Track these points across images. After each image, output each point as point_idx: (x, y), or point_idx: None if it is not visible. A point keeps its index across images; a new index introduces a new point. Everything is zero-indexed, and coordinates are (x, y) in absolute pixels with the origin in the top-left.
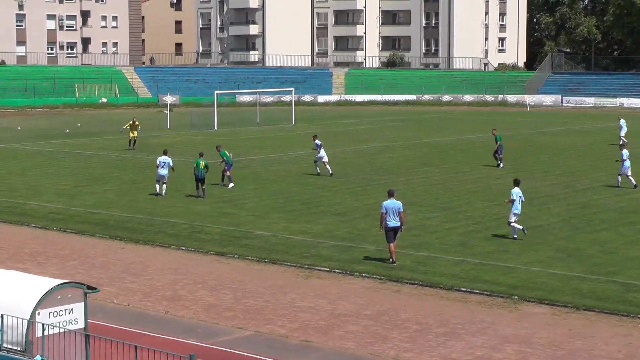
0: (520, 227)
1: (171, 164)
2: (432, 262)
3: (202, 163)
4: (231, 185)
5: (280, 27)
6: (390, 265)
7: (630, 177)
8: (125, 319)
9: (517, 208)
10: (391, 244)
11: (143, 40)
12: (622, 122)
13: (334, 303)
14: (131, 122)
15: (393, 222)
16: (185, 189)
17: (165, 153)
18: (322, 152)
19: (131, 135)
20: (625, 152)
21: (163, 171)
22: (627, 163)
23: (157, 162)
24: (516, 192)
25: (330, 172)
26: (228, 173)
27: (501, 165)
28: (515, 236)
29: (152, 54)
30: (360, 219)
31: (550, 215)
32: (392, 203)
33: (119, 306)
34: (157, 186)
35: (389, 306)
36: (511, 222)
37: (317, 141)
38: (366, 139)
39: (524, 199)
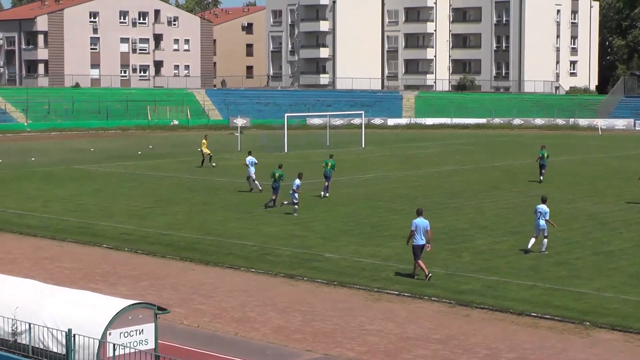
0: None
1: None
2: (502, 287)
3: (277, 174)
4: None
5: (350, 50)
6: (460, 289)
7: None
8: (194, 340)
9: (538, 224)
10: (419, 261)
11: (214, 63)
12: None
13: (403, 326)
14: (204, 140)
15: (421, 240)
16: (256, 210)
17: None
18: (252, 170)
19: (207, 152)
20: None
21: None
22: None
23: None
24: (540, 208)
25: (260, 188)
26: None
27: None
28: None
29: (223, 76)
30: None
31: (623, 240)
32: (421, 222)
33: (188, 327)
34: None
35: (458, 330)
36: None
37: (250, 158)
38: (436, 162)
39: (547, 217)
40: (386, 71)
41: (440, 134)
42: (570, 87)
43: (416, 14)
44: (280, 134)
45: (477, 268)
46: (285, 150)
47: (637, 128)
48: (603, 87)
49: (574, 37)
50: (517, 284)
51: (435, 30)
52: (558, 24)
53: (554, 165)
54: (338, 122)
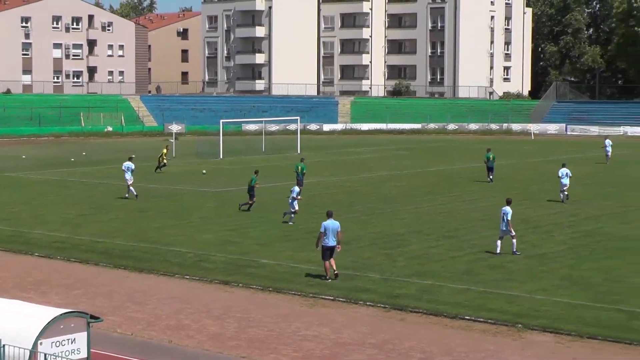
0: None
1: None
2: (437, 291)
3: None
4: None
5: (286, 56)
6: (395, 294)
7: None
8: (128, 348)
9: (503, 226)
10: (327, 262)
11: (149, 69)
12: (608, 142)
13: (339, 331)
14: (165, 149)
15: (331, 242)
16: (192, 217)
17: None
18: (128, 175)
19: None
20: (563, 170)
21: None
22: (565, 180)
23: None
24: (504, 210)
25: (136, 194)
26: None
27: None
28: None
29: (158, 82)
30: (365, 247)
31: (555, 243)
32: (332, 223)
33: (122, 335)
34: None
35: (393, 335)
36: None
37: (127, 163)
38: (372, 168)
39: (509, 218)
40: (322, 77)
41: (376, 139)
42: (504, 93)
43: (352, 20)
44: (215, 140)
45: (412, 272)
46: (221, 157)
47: (568, 133)
48: (536, 92)
49: (507, 43)
50: (452, 288)
51: (370, 36)
52: (492, 30)
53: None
54: (274, 127)
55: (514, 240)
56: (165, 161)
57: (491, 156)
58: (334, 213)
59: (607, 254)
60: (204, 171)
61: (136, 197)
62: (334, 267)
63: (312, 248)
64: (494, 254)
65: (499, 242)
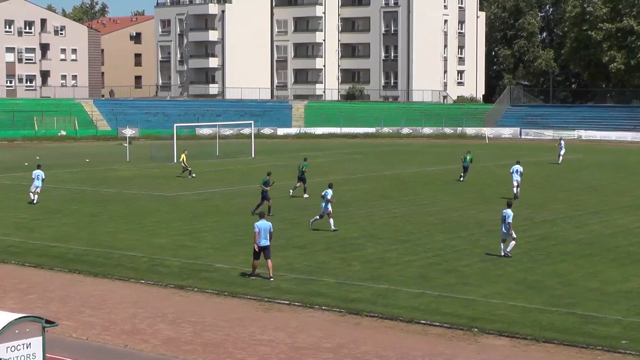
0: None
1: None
2: (392, 295)
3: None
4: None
5: (239, 60)
6: (350, 298)
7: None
8: (83, 353)
9: (503, 228)
10: (255, 261)
11: (102, 73)
12: (562, 142)
13: (294, 336)
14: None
15: (264, 242)
16: (146, 222)
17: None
18: (37, 183)
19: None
20: (515, 167)
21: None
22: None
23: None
24: (505, 212)
25: (35, 201)
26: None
27: (462, 179)
28: (506, 253)
29: (111, 86)
30: (320, 251)
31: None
32: (264, 224)
33: (77, 340)
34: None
35: (348, 339)
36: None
37: (37, 171)
38: (326, 172)
39: (510, 221)
40: (275, 81)
41: (330, 143)
42: (458, 97)
43: (305, 24)
44: (169, 144)
45: (367, 276)
46: (175, 161)
47: (523, 136)
48: (490, 96)
49: (461, 47)
50: (407, 292)
51: (324, 40)
52: (445, 34)
53: (442, 174)
54: (228, 132)
55: (513, 242)
56: (189, 167)
57: (468, 157)
58: (265, 214)
59: (561, 258)
60: (193, 175)
61: (34, 203)
62: (270, 271)
63: None
64: (498, 256)
65: (502, 244)
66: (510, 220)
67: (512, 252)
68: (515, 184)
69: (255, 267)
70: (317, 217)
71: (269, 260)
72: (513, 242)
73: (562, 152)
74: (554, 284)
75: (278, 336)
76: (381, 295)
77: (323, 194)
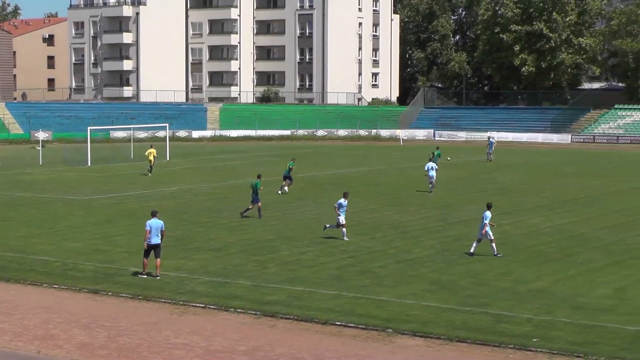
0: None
1: None
2: (308, 297)
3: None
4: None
5: (154, 62)
6: (265, 300)
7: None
8: None
9: (481, 228)
10: (146, 259)
11: (14, 75)
12: (492, 140)
13: (209, 339)
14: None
15: (155, 240)
16: (59, 226)
17: None
18: None
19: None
20: (429, 164)
21: None
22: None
23: None
24: (484, 214)
25: None
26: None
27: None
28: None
29: (24, 89)
30: (235, 254)
31: (424, 248)
32: (155, 222)
33: None
34: None
35: (264, 341)
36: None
37: None
38: (241, 174)
39: (486, 221)
40: (190, 83)
41: (245, 145)
42: (373, 99)
43: (220, 26)
44: (83, 147)
45: (283, 279)
46: (89, 164)
47: (437, 138)
48: (404, 98)
49: (375, 50)
50: (322, 294)
51: (239, 43)
52: (360, 36)
53: (357, 176)
54: (142, 135)
55: (494, 244)
56: (152, 164)
57: (435, 152)
58: (158, 212)
59: (474, 258)
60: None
61: None
62: (158, 270)
63: (181, 255)
64: (468, 254)
65: (475, 243)
66: (486, 220)
67: (426, 253)
68: (431, 180)
69: (145, 265)
70: (332, 225)
71: (158, 259)
72: (494, 244)
73: (491, 149)
74: (467, 284)
75: (193, 340)
76: (296, 297)
77: (337, 204)
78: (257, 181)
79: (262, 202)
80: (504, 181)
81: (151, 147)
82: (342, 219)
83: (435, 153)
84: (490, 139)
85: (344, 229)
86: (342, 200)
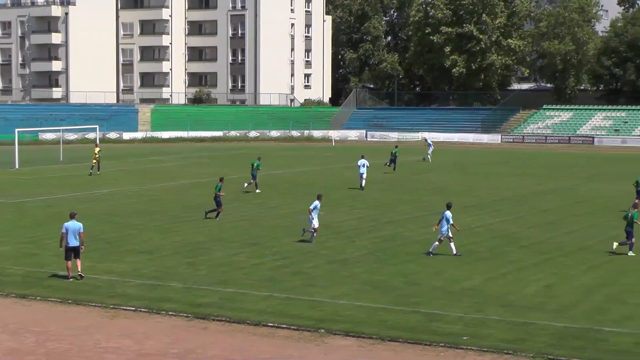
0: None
1: None
2: (240, 298)
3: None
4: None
5: (84, 63)
6: (197, 303)
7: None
8: None
9: (442, 228)
10: (69, 262)
11: None
12: (429, 142)
13: (141, 343)
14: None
15: (73, 242)
16: None
17: None
18: None
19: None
20: (361, 161)
21: None
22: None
23: None
24: (445, 213)
25: None
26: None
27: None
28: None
29: None
30: (167, 256)
31: (356, 248)
32: (73, 224)
33: None
34: None
35: (196, 344)
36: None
37: None
38: (173, 176)
39: (451, 222)
40: (121, 84)
41: (177, 147)
42: (305, 100)
43: (151, 27)
44: (10, 149)
45: (215, 281)
46: (17, 167)
47: (369, 139)
48: (336, 99)
49: (308, 51)
50: (255, 295)
51: (170, 43)
52: (292, 37)
53: (289, 176)
54: (72, 136)
55: (452, 244)
56: (95, 164)
57: (393, 151)
58: (76, 214)
59: (406, 258)
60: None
61: None
62: (79, 268)
63: (112, 258)
64: (427, 254)
65: (436, 243)
66: (451, 222)
67: (359, 254)
68: (362, 177)
69: (69, 269)
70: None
71: (79, 260)
72: (452, 244)
73: (431, 150)
74: (399, 283)
75: (125, 343)
76: (229, 299)
77: (312, 206)
78: (220, 184)
79: (193, 203)
80: (435, 181)
81: (96, 146)
82: (315, 222)
83: (394, 151)
84: (428, 140)
85: (315, 233)
86: (316, 203)
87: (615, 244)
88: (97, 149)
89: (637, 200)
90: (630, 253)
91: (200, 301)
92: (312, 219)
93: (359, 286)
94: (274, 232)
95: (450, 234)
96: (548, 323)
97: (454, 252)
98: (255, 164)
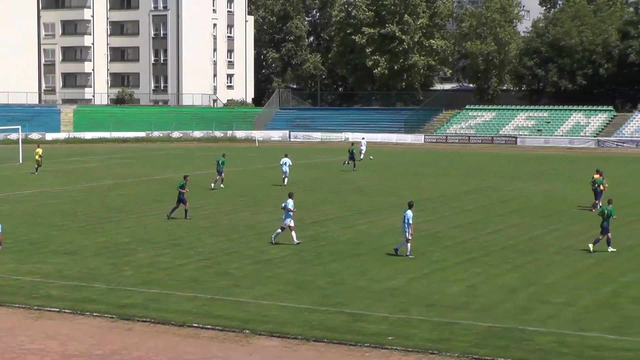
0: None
1: None
2: (164, 299)
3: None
4: None
5: (5, 63)
6: (122, 304)
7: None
8: None
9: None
10: None
11: None
12: (363, 141)
13: (65, 344)
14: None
15: None
16: None
17: None
18: None
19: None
20: (284, 159)
21: None
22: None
23: None
24: (405, 213)
25: None
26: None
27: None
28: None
29: None
30: (91, 257)
31: (280, 248)
32: None
33: None
34: None
35: (120, 345)
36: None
37: None
38: (96, 177)
39: (411, 222)
40: (43, 85)
41: (100, 148)
42: (228, 100)
43: (73, 27)
44: None
45: (139, 281)
46: None
47: (292, 139)
48: (259, 99)
49: (230, 51)
50: (179, 296)
51: (93, 44)
52: (215, 37)
53: (213, 177)
54: None
55: (408, 245)
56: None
57: (350, 148)
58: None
59: (331, 258)
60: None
61: None
62: None
63: (35, 259)
64: (393, 254)
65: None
66: (411, 221)
67: (283, 254)
68: (284, 175)
69: None
70: (279, 230)
71: None
72: (409, 245)
73: (363, 149)
74: (323, 283)
75: (48, 344)
76: (153, 300)
77: (283, 205)
78: (183, 182)
79: (117, 204)
80: (359, 181)
81: (38, 147)
82: (289, 221)
83: (351, 149)
84: (362, 140)
85: (294, 232)
86: (289, 201)
87: (590, 246)
88: (39, 150)
89: (596, 201)
90: (610, 249)
91: (124, 302)
92: (285, 218)
93: (283, 286)
94: (198, 233)
95: (409, 236)
96: (472, 323)
97: (407, 254)
98: (220, 161)
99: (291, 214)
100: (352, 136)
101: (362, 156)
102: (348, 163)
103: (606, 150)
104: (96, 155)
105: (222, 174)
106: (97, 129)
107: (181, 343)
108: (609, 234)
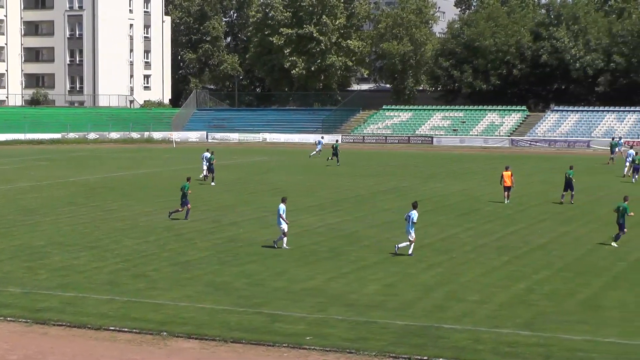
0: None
1: None
2: (81, 302)
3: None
4: None
5: None
6: (37, 307)
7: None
8: None
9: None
10: None
11: None
12: (322, 141)
13: None
14: None
15: None
16: None
17: None
18: None
19: None
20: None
21: None
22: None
23: None
24: (410, 213)
25: None
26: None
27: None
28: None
29: None
30: (5, 261)
31: (198, 250)
32: None
33: None
34: None
35: (35, 349)
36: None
37: None
38: (10, 179)
39: (415, 221)
40: None
41: (14, 150)
42: (145, 101)
43: None
44: None
45: (55, 285)
46: None
47: (210, 140)
48: (177, 100)
49: (147, 51)
50: (96, 299)
51: (6, 44)
52: (131, 38)
53: (130, 178)
54: None
55: (408, 243)
56: None
57: (335, 145)
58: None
59: (248, 259)
60: None
61: None
62: None
63: None
64: (393, 254)
65: (406, 243)
66: (415, 220)
67: (200, 255)
68: (204, 173)
69: None
70: (282, 235)
71: None
72: (408, 243)
73: (319, 148)
74: (241, 284)
75: None
76: (69, 304)
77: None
78: (186, 184)
79: (32, 206)
80: (277, 182)
81: None
82: (284, 226)
83: (335, 145)
84: (321, 140)
85: (285, 238)
86: (282, 205)
87: (614, 244)
88: None
89: (568, 191)
90: (614, 244)
91: (39, 306)
92: (280, 223)
93: (201, 288)
94: (114, 235)
95: (413, 236)
96: (389, 321)
97: (409, 253)
98: (209, 157)
99: (281, 219)
100: (270, 136)
101: (314, 153)
102: (331, 158)
103: (520, 149)
104: (10, 157)
105: (214, 172)
106: (11, 131)
107: (98, 347)
108: (625, 230)
